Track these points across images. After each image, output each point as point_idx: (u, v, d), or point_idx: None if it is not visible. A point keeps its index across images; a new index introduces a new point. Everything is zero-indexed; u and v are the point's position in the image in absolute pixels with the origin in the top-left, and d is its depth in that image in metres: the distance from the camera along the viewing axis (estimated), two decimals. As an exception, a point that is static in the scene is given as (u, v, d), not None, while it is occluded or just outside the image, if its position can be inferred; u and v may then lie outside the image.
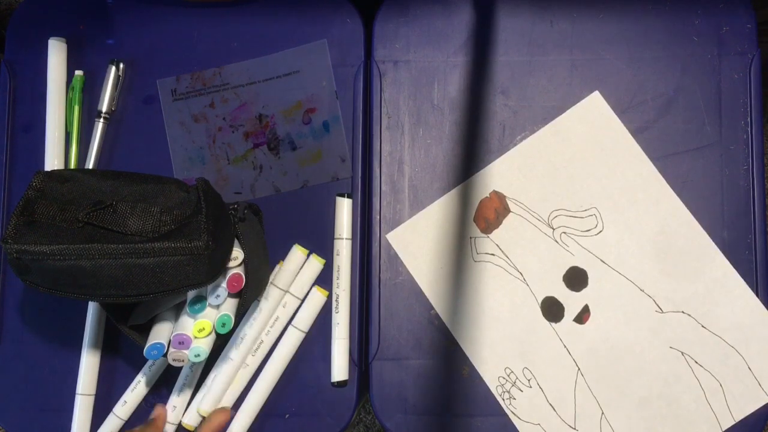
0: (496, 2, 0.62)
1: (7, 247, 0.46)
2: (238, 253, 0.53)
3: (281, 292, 0.60)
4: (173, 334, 0.52)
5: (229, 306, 0.54)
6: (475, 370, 0.59)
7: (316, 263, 0.61)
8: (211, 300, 0.53)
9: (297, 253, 0.60)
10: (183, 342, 0.52)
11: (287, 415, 0.59)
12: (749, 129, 0.60)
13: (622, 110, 0.61)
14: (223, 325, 0.53)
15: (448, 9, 0.63)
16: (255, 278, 0.54)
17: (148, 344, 0.52)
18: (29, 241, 0.46)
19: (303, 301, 0.60)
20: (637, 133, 0.61)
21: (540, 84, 0.62)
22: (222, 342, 0.57)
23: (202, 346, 0.52)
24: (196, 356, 0.52)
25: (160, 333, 0.53)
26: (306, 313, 0.60)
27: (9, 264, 0.48)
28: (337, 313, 0.60)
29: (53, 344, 0.61)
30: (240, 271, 0.53)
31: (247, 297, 0.54)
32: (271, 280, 0.60)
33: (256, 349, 0.59)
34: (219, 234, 0.50)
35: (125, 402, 0.60)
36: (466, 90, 0.62)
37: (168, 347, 0.53)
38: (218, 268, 0.50)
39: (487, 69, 0.62)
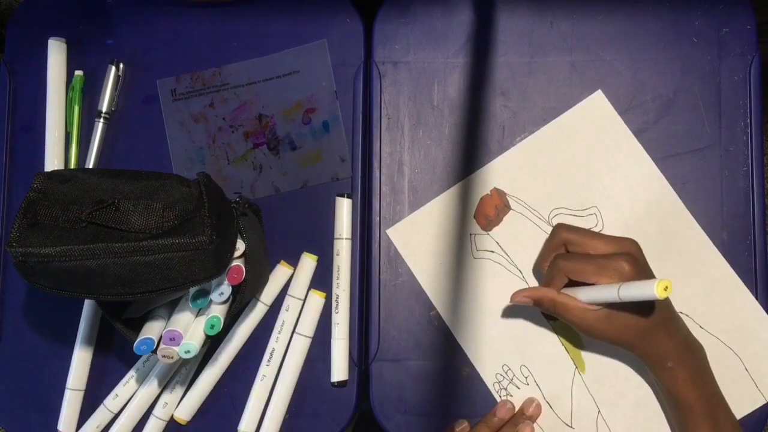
0: (496, 3, 0.62)
1: (12, 251, 0.46)
2: (239, 244, 0.53)
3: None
4: (165, 330, 0.52)
5: (220, 309, 0.54)
6: (475, 370, 0.60)
7: (309, 261, 0.61)
8: (214, 297, 0.53)
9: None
10: (174, 338, 0.52)
11: (287, 415, 0.60)
12: (749, 130, 0.60)
13: (621, 111, 0.61)
14: (212, 326, 0.53)
15: (448, 10, 0.62)
16: (255, 273, 0.54)
17: (138, 339, 0.52)
18: (34, 243, 0.46)
19: (304, 302, 0.61)
20: (636, 134, 0.61)
21: (540, 85, 0.62)
22: (213, 341, 0.57)
23: (193, 342, 0.52)
24: (186, 352, 0.52)
25: (152, 329, 0.54)
26: (307, 317, 0.60)
27: (15, 267, 0.47)
28: (336, 313, 0.60)
29: (53, 344, 0.62)
30: (240, 263, 0.53)
31: (246, 292, 0.54)
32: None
33: (270, 358, 0.60)
34: (222, 228, 0.50)
35: (116, 395, 0.60)
36: (465, 91, 0.62)
37: (159, 343, 0.53)
38: (224, 262, 0.51)
39: (486, 70, 0.62)
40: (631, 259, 0.51)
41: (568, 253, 0.55)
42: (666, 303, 0.54)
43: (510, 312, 0.60)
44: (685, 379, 0.52)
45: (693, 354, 0.53)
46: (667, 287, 0.46)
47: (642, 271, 0.51)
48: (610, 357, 0.59)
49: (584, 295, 0.52)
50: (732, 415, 0.54)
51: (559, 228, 0.56)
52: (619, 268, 0.50)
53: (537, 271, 0.60)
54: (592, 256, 0.53)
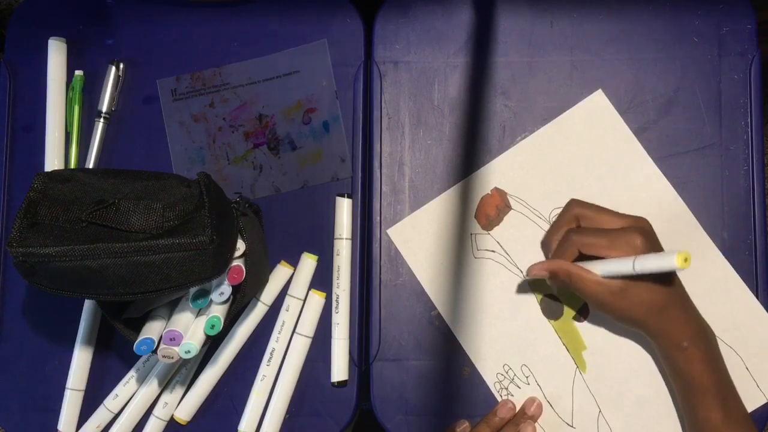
0: (496, 3, 0.62)
1: (13, 251, 0.46)
2: (239, 244, 0.53)
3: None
4: (165, 331, 0.52)
5: (220, 309, 0.54)
6: (476, 370, 0.60)
7: (309, 261, 0.61)
8: (215, 297, 0.53)
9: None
10: (174, 338, 0.52)
11: (287, 415, 0.60)
12: (749, 130, 0.60)
13: (622, 111, 0.61)
14: (212, 327, 0.53)
15: (448, 10, 0.62)
16: (255, 273, 0.54)
17: (138, 339, 0.52)
18: (34, 243, 0.46)
19: (304, 302, 0.61)
20: (637, 133, 0.61)
21: (540, 85, 0.62)
22: (213, 341, 0.57)
23: (194, 342, 0.52)
24: (186, 352, 0.52)
25: (152, 329, 0.54)
26: (307, 317, 0.60)
27: (15, 267, 0.47)
28: (337, 313, 0.60)
29: (53, 344, 0.62)
30: (240, 263, 0.53)
31: (246, 292, 0.54)
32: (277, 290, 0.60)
33: (270, 358, 0.60)
34: (223, 228, 0.50)
35: (116, 395, 0.60)
36: (466, 91, 0.62)
37: (159, 343, 0.53)
38: (224, 262, 0.51)
39: (487, 70, 0.62)
40: (643, 233, 0.51)
41: (580, 228, 0.55)
42: (679, 283, 0.54)
43: (511, 312, 0.60)
44: (701, 359, 0.52)
45: (707, 335, 0.53)
46: (686, 258, 0.45)
47: (654, 246, 0.51)
48: (611, 356, 0.59)
49: (598, 268, 0.52)
50: (740, 401, 0.53)
51: (572, 203, 0.56)
52: (632, 242, 0.50)
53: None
54: (604, 229, 0.53)
